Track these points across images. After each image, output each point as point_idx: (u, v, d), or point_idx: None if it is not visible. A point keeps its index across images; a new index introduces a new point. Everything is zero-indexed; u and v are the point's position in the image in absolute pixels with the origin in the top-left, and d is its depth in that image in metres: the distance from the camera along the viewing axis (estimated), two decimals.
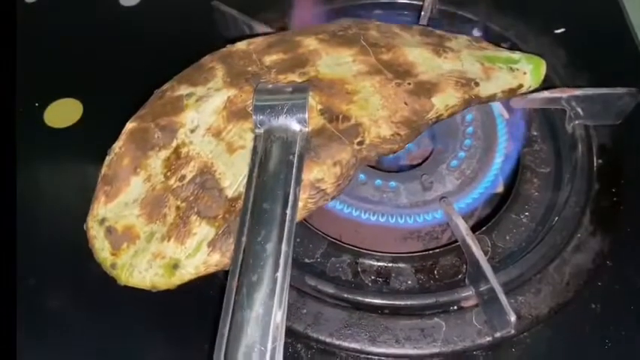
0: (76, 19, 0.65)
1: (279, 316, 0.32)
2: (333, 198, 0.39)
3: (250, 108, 0.40)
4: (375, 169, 0.48)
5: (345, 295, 0.42)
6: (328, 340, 0.41)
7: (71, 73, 0.59)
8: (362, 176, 0.47)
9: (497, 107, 0.51)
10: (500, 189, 0.49)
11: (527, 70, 0.46)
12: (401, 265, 0.45)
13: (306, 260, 0.46)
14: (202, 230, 0.37)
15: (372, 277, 0.45)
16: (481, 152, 0.48)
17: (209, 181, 0.38)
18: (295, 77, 0.43)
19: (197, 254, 0.37)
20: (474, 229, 0.46)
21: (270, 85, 0.41)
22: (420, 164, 0.49)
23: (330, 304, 0.42)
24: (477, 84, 0.44)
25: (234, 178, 0.38)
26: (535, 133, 0.52)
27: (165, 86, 0.44)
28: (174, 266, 0.37)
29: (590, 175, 0.48)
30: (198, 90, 0.42)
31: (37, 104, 0.57)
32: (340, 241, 0.47)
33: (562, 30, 0.58)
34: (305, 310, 0.42)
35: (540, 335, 0.41)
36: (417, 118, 0.41)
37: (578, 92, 0.48)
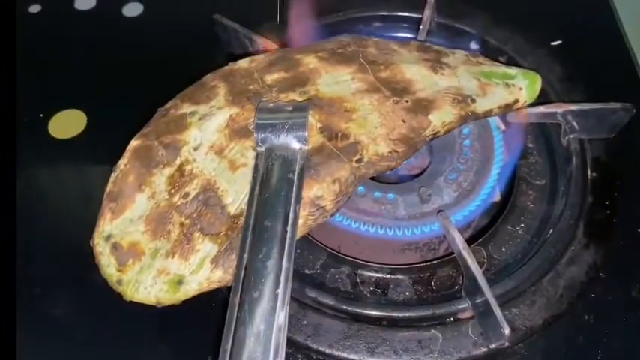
0: (79, 29, 0.65)
1: (280, 332, 0.33)
2: (332, 215, 0.40)
3: (252, 126, 0.41)
4: (374, 181, 0.49)
5: (345, 307, 0.43)
6: (328, 351, 0.41)
7: (75, 83, 0.60)
8: (361, 188, 0.47)
9: (494, 120, 0.51)
10: (497, 198, 0.50)
11: (522, 86, 0.47)
12: (399, 276, 0.46)
13: (306, 271, 0.46)
14: (205, 247, 0.38)
15: (371, 288, 0.46)
16: (478, 165, 0.49)
17: (212, 198, 0.39)
18: (296, 96, 0.43)
19: (200, 270, 0.38)
20: (470, 239, 0.47)
21: (271, 104, 0.42)
22: (418, 175, 0.50)
23: (329, 315, 0.43)
24: (473, 100, 0.45)
25: (236, 195, 0.39)
26: (531, 146, 0.53)
27: (168, 104, 0.45)
28: (179, 282, 0.38)
29: (584, 187, 0.49)
30: (200, 108, 0.43)
31: (41, 115, 0.57)
32: (339, 253, 0.47)
33: (558, 42, 0.59)
34: (305, 322, 0.42)
35: (534, 346, 0.42)
36: (414, 136, 0.42)
37: (573, 107, 0.49)
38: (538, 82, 0.47)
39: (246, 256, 0.36)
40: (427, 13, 0.58)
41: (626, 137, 0.50)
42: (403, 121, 0.42)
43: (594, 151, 0.51)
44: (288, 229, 0.36)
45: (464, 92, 0.45)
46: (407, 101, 0.43)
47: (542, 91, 0.49)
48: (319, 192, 0.39)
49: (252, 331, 0.33)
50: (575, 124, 0.50)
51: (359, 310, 0.43)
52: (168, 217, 0.39)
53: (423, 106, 0.43)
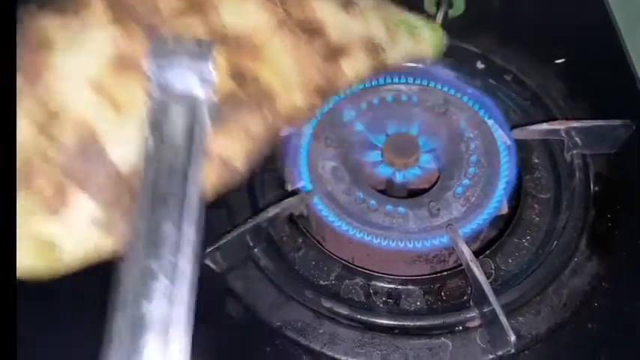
0: None
1: (182, 309, 0.28)
2: (242, 175, 0.35)
3: (143, 63, 0.32)
4: (386, 196, 0.50)
5: (359, 317, 0.44)
6: (343, 358, 0.43)
7: None
8: (373, 203, 0.48)
9: (501, 136, 0.52)
10: (504, 211, 0.50)
11: (426, 37, 0.45)
12: (410, 287, 0.47)
13: (322, 282, 0.48)
14: (86, 206, 0.31)
15: (384, 299, 0.47)
16: (485, 180, 0.49)
17: (92, 147, 0.31)
18: (194, 22, 0.35)
19: (81, 234, 0.31)
20: (479, 251, 0.49)
21: (170, 41, 0.33)
22: (427, 190, 0.51)
23: (344, 324, 0.44)
24: (383, 49, 0.42)
25: (123, 146, 0.32)
26: (536, 161, 0.54)
27: (23, 11, 0.33)
28: (53, 247, 0.31)
29: (587, 201, 0.50)
30: (68, 21, 0.33)
31: None
32: (353, 264, 0.49)
33: (562, 60, 0.60)
34: (321, 330, 0.44)
35: (539, 354, 0.43)
36: (328, 88, 0.39)
37: (575, 124, 0.50)
38: (441, 35, 0.46)
39: (142, 221, 0.30)
40: None
41: (627, 152, 0.51)
42: (318, 70, 0.38)
43: (596, 166, 0.52)
44: (191, 190, 0.30)
45: (375, 41, 0.42)
46: (320, 46, 0.39)
47: (546, 108, 0.51)
48: (227, 146, 0.34)
49: (149, 306, 0.27)
50: (578, 140, 0.51)
51: (372, 320, 0.45)
52: (38, 168, 0.31)
53: (337, 54, 0.39)
